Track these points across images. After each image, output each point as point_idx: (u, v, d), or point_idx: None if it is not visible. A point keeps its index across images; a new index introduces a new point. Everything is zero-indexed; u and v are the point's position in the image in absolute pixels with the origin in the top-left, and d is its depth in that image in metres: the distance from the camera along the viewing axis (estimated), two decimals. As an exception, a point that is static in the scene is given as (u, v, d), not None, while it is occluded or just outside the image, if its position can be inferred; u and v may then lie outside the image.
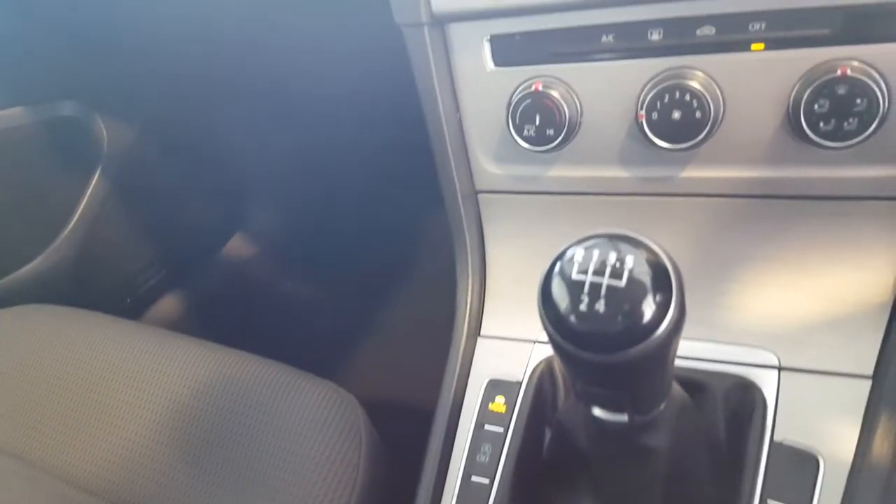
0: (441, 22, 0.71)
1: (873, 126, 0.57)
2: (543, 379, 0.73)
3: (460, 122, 0.75)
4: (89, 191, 1.45)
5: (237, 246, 1.81)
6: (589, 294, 0.40)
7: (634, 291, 0.40)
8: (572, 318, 0.41)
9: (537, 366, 0.74)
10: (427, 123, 0.76)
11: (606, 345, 0.40)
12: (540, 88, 0.68)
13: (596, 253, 0.42)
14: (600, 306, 0.40)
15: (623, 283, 0.40)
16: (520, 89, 0.70)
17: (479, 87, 0.73)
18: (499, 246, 0.82)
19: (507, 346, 0.78)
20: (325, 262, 1.78)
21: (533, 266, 0.80)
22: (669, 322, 0.40)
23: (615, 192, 0.72)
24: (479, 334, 0.81)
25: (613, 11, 0.64)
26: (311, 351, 1.24)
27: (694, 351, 0.70)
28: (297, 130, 1.63)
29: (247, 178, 1.76)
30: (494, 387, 0.74)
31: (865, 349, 0.65)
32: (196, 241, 1.72)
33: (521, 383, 0.74)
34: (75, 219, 1.42)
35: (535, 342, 0.76)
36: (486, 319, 0.81)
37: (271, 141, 1.69)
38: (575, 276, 0.41)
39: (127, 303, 1.57)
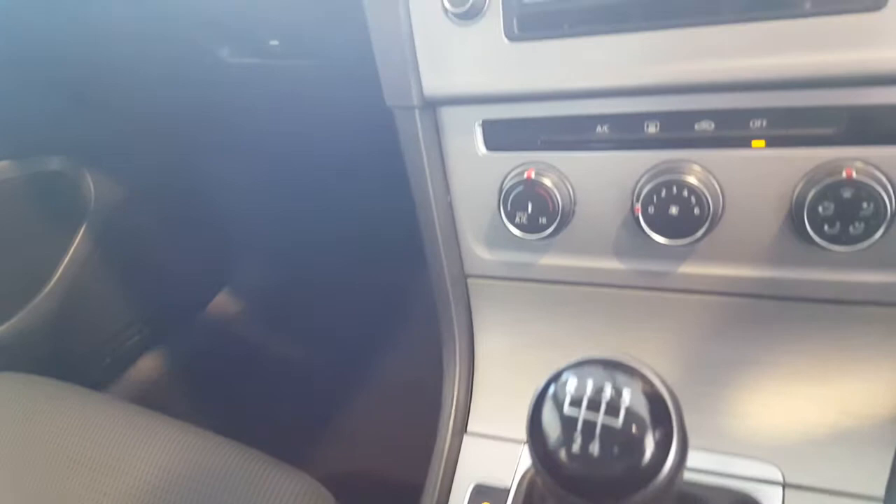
0: (432, 105, 0.69)
1: (880, 231, 0.55)
2: (533, 486, 0.69)
3: (451, 204, 0.73)
4: (73, 248, 1.41)
5: (222, 303, 1.77)
6: (582, 433, 0.37)
7: (632, 432, 0.36)
8: (564, 458, 0.37)
9: (527, 471, 0.70)
10: (416, 204, 0.74)
11: (602, 491, 0.36)
12: (532, 176, 0.66)
13: (590, 383, 0.39)
14: (594, 448, 0.36)
15: (619, 422, 0.36)
16: (512, 175, 0.67)
17: (470, 171, 0.70)
18: (488, 334, 0.79)
19: (495, 446, 0.74)
20: (309, 321, 1.74)
21: (524, 358, 0.77)
22: (671, 465, 0.37)
23: (610, 284, 0.69)
24: (465, 431, 0.77)
25: (609, 102, 0.62)
26: (292, 422, 1.19)
27: (691, 461, 0.66)
28: (285, 188, 1.61)
29: (233, 234, 1.73)
30: (480, 493, 0.70)
31: (875, 467, 0.61)
32: (180, 298, 1.68)
33: (508, 490, 0.69)
34: (56, 277, 1.39)
35: (524, 443, 0.72)
36: (473, 414, 0.77)
37: (259, 198, 1.67)
38: (567, 410, 0.38)
39: (106, 362, 1.52)
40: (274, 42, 0.90)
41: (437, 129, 0.70)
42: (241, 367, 1.70)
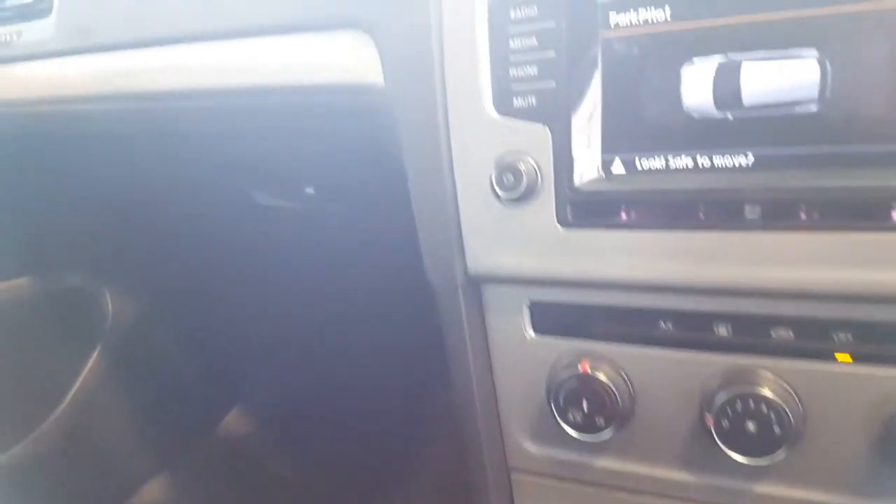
0: (476, 282, 0.65)
1: None
2: None
3: (494, 390, 0.67)
4: (86, 369, 1.36)
5: (233, 422, 1.69)
6: None
7: None
8: None
9: None
10: (454, 388, 0.68)
11: None
12: (588, 370, 0.60)
13: None
14: None
15: None
16: (563, 365, 0.62)
17: (516, 356, 0.65)
18: None
19: None
20: (321, 442, 1.65)
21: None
22: None
23: (673, 496, 0.62)
24: None
25: (674, 298, 0.58)
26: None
27: None
28: (300, 308, 1.56)
29: (247, 349, 1.68)
30: None
31: None
32: (192, 418, 1.61)
33: None
34: (67, 400, 1.33)
35: None
36: None
37: (273, 316, 1.63)
38: None
39: (112, 489, 1.44)
40: (310, 190, 0.87)
41: (480, 309, 0.66)
42: (255, 491, 1.61)
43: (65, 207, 1.28)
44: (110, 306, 1.39)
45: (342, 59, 0.67)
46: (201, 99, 0.74)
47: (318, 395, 1.68)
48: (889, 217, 0.48)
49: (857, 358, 0.52)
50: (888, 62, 0.47)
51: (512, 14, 0.58)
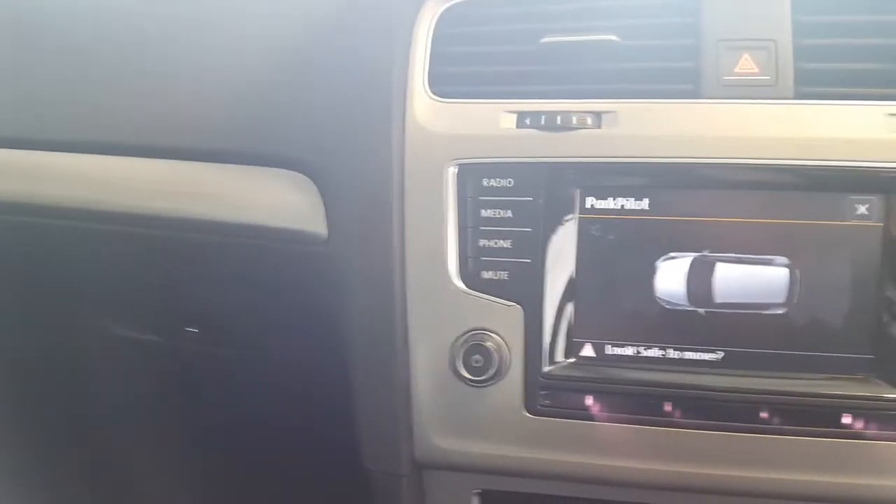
0: (419, 468, 0.57)
1: None
2: None
3: None
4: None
5: None
6: None
7: None
8: None
9: None
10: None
11: None
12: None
13: None
14: None
15: None
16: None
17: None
18: None
19: None
20: None
21: None
22: None
23: None
24: None
25: (631, 492, 0.55)
26: None
27: None
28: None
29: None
30: None
31: None
32: None
33: None
34: None
35: None
36: None
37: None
38: None
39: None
40: (192, 329, 0.74)
41: (422, 497, 0.58)
42: None
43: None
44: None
45: (279, 201, 0.58)
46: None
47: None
48: (839, 423, 0.50)
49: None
50: (851, 274, 0.50)
51: (485, 182, 0.54)
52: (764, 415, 0.52)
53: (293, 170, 0.58)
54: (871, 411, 0.50)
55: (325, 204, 0.57)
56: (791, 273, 0.51)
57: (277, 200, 0.59)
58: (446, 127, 0.55)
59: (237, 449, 0.81)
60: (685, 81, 0.52)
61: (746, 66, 0.52)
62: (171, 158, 0.59)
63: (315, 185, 0.57)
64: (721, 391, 0.52)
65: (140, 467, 1.01)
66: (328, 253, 0.56)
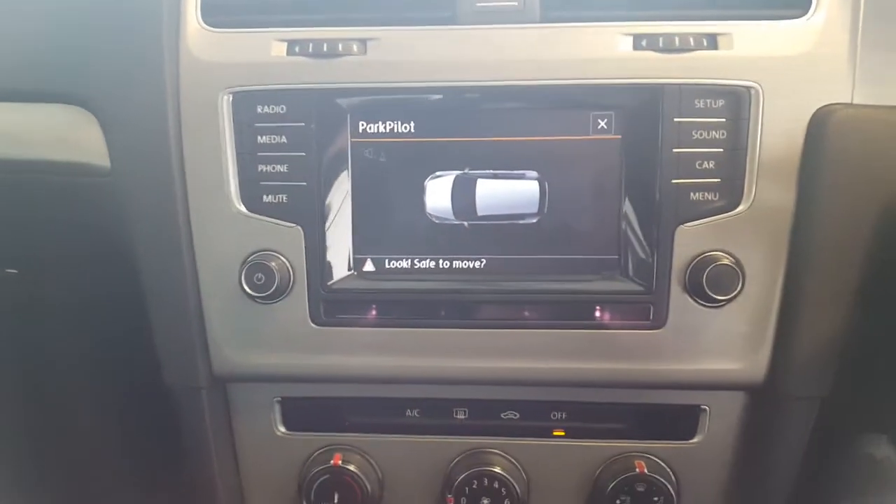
0: (222, 382, 0.62)
1: None
2: None
3: (241, 492, 0.64)
4: None
5: None
6: None
7: None
8: None
9: None
10: (197, 494, 0.64)
11: None
12: (340, 463, 0.61)
13: None
14: None
15: None
16: (315, 460, 0.62)
17: (266, 454, 0.63)
18: None
19: None
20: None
21: None
22: None
23: None
24: None
25: (419, 388, 0.61)
26: None
27: None
28: None
29: None
30: None
31: None
32: None
33: None
34: None
35: None
36: None
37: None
38: None
39: None
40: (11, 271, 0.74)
41: (226, 408, 0.63)
42: None
43: None
44: None
45: (62, 135, 0.59)
46: None
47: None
48: (593, 316, 0.57)
49: (570, 433, 0.62)
50: (596, 184, 0.56)
51: (259, 109, 0.56)
52: (526, 313, 0.58)
53: (73, 104, 0.58)
54: (617, 304, 0.57)
55: (105, 137, 0.58)
56: (541, 185, 0.57)
57: (60, 135, 0.59)
58: (219, 56, 0.56)
59: (48, 383, 0.82)
60: (443, 9, 0.56)
61: None
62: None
63: (96, 119, 0.58)
64: (487, 293, 0.58)
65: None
66: (113, 184, 0.58)
